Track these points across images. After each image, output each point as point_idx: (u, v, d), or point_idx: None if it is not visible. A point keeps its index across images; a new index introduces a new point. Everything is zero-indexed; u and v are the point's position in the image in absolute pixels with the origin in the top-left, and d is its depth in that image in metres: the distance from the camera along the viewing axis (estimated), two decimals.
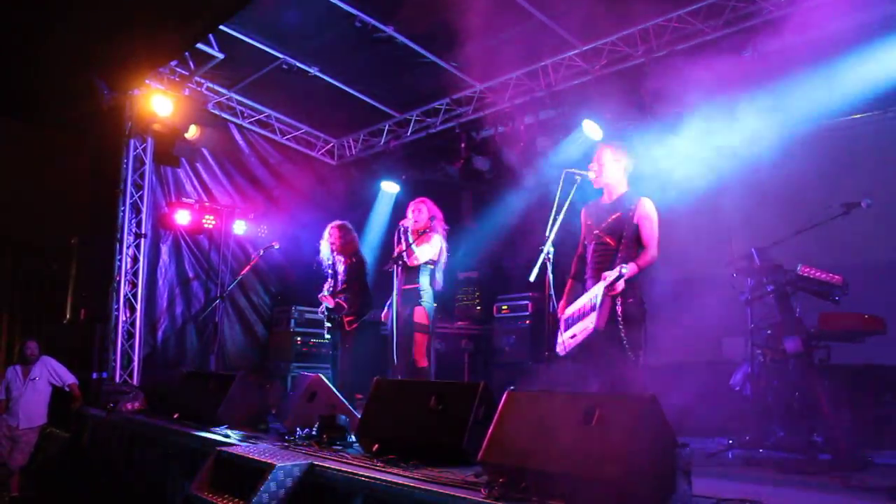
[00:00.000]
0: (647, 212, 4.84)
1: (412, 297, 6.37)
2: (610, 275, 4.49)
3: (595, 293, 4.60)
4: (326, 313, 7.20)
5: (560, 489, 2.81)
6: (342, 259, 7.22)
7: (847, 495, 3.63)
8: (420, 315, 6.32)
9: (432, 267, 6.48)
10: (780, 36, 6.51)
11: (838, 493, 3.68)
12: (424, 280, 6.42)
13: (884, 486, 3.61)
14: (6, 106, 9.24)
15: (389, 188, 10.01)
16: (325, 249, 7.31)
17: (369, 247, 9.30)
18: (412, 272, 6.41)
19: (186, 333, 9.30)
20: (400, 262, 6.30)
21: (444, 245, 6.58)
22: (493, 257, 9.38)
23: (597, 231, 4.96)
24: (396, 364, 6.24)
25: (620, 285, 4.51)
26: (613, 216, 4.89)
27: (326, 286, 7.26)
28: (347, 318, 7.01)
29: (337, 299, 7.07)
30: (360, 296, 7.15)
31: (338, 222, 7.36)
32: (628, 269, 4.47)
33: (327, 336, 7.41)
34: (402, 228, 6.40)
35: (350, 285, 7.13)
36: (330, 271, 7.29)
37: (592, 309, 4.57)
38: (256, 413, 5.67)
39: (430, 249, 6.45)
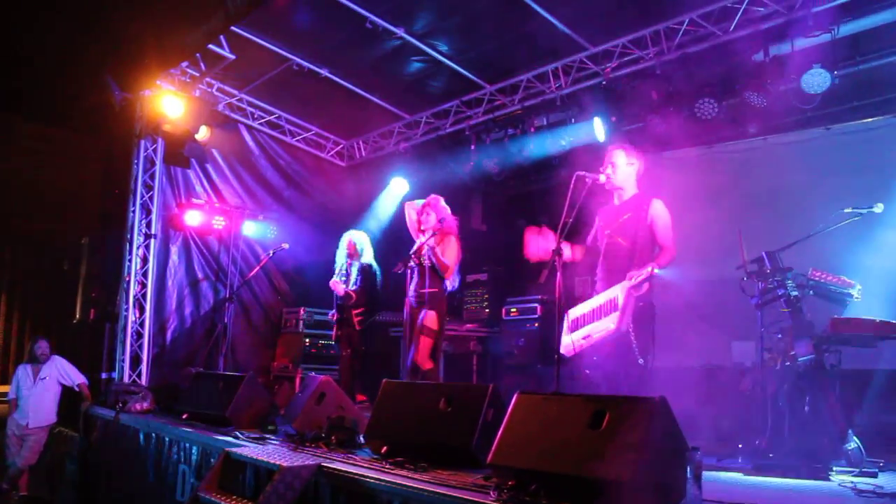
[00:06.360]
0: (660, 213, 4.85)
1: (426, 301, 6.34)
2: (637, 274, 4.47)
3: (615, 293, 4.57)
4: (336, 309, 7.44)
5: (570, 492, 2.80)
6: (357, 265, 7.64)
7: (859, 502, 3.60)
8: (430, 319, 6.29)
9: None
10: (792, 40, 6.49)
11: (849, 499, 3.65)
12: (438, 283, 6.38)
13: None
14: (19, 106, 9.29)
15: (398, 189, 10.00)
16: (342, 257, 7.75)
17: (379, 248, 9.28)
18: (427, 274, 6.38)
19: (195, 334, 9.29)
20: (417, 266, 6.28)
21: (458, 245, 6.53)
22: (502, 259, 9.37)
23: (608, 231, 4.96)
24: (410, 366, 6.24)
25: (645, 286, 4.50)
26: (625, 217, 4.90)
27: (337, 274, 7.62)
28: (357, 318, 7.23)
29: (346, 289, 7.49)
30: (369, 296, 7.58)
31: (355, 231, 7.90)
32: (658, 269, 4.46)
33: (335, 337, 7.55)
34: (422, 234, 6.36)
35: (362, 286, 7.54)
36: (344, 278, 7.58)
37: (613, 309, 4.54)
38: (265, 414, 5.68)
39: (451, 253, 6.42)
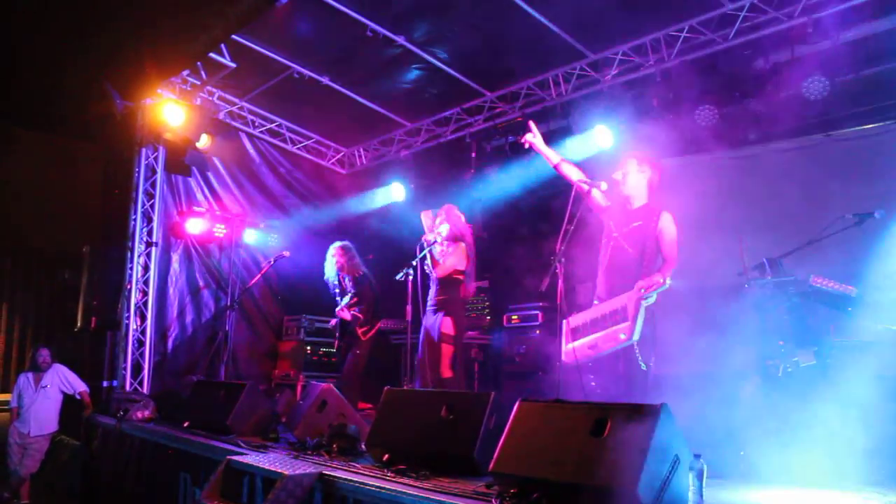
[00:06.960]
0: (668, 226, 4.89)
1: (441, 308, 6.33)
2: (650, 284, 4.49)
3: (623, 302, 4.58)
4: (339, 324, 7.43)
5: (572, 500, 2.79)
6: (349, 276, 7.61)
7: None
8: (447, 326, 6.25)
9: (461, 277, 6.41)
10: (792, 46, 6.50)
11: None
12: (453, 290, 6.35)
13: None
14: (20, 116, 9.30)
15: (399, 196, 10.00)
16: (331, 269, 7.71)
17: (380, 255, 9.27)
18: (441, 283, 6.36)
19: (197, 342, 9.28)
20: (421, 272, 6.27)
21: (471, 252, 6.49)
22: (503, 267, 9.36)
23: (616, 234, 4.96)
24: (417, 374, 6.21)
25: (654, 296, 4.52)
26: (635, 224, 4.91)
27: (343, 301, 7.58)
28: (362, 329, 7.26)
29: (352, 312, 7.44)
30: (371, 307, 7.53)
31: (340, 244, 7.78)
32: (669, 281, 4.49)
33: (337, 346, 7.56)
34: (424, 242, 6.35)
35: (362, 298, 7.51)
36: (338, 290, 7.62)
37: (622, 319, 4.54)
38: (266, 422, 5.68)
39: (456, 259, 6.40)
